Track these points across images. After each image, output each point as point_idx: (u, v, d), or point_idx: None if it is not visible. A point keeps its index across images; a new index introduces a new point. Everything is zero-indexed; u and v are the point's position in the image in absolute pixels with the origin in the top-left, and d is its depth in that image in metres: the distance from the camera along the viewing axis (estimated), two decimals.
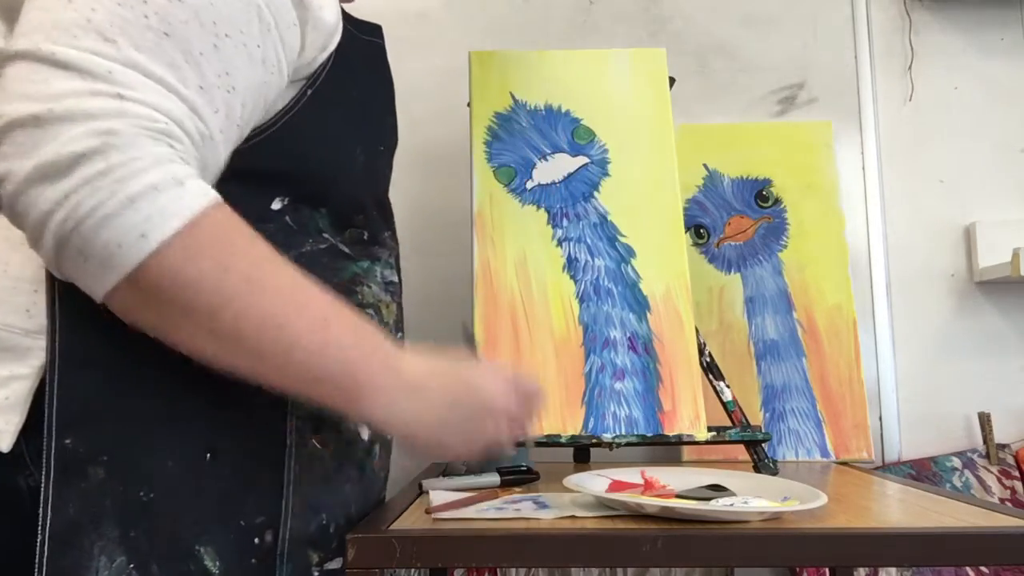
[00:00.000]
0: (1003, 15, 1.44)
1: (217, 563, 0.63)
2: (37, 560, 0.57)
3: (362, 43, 0.77)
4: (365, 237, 0.75)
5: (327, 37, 0.67)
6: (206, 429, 0.63)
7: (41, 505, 0.57)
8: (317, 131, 0.68)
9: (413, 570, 1.19)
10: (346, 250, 0.72)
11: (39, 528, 0.57)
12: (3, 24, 0.61)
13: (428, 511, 0.75)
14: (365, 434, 0.73)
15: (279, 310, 0.57)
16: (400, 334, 0.82)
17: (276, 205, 0.67)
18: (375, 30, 0.81)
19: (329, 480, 0.70)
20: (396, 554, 0.65)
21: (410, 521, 0.73)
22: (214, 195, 0.55)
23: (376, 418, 0.63)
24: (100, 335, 0.59)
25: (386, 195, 0.80)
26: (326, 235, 0.70)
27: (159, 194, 0.52)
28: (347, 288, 0.73)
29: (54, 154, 0.50)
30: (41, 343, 0.59)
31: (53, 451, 0.58)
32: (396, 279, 0.81)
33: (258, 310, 0.57)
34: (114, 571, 0.59)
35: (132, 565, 0.59)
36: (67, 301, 0.58)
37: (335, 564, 0.69)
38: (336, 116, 0.69)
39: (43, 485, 0.57)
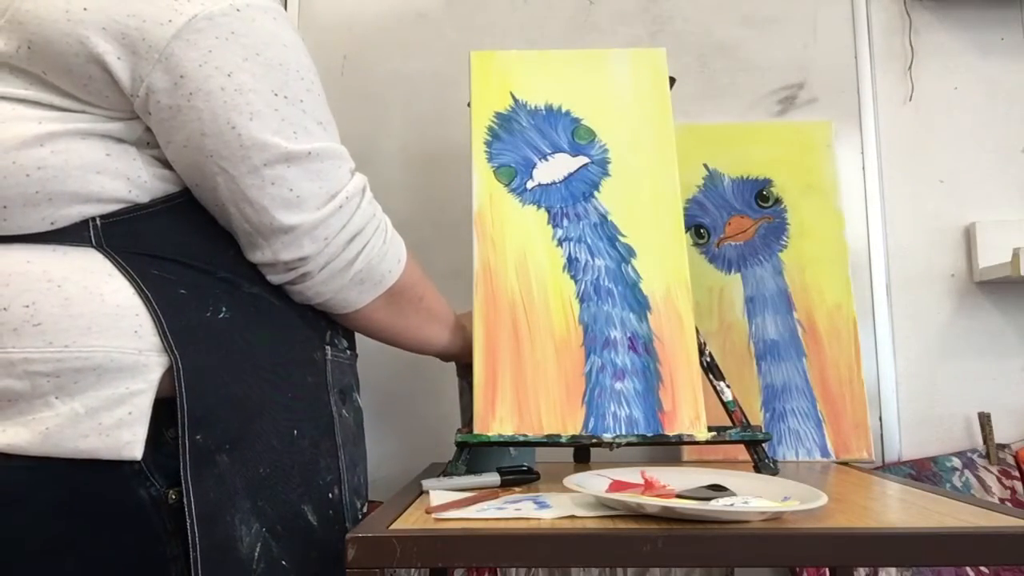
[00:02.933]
0: (1003, 15, 1.44)
1: (315, 517, 0.78)
2: (190, 539, 0.67)
3: None
4: None
5: None
6: (290, 412, 0.78)
7: (184, 494, 0.67)
8: None
9: (413, 570, 1.19)
10: None
11: (186, 512, 0.67)
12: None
13: (428, 511, 0.75)
14: (360, 403, 0.93)
15: (431, 288, 0.94)
16: None
17: None
18: None
19: (357, 441, 0.89)
20: (396, 554, 0.65)
21: (410, 521, 0.73)
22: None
23: (457, 340, 1.00)
24: (206, 348, 0.71)
25: None
26: None
27: (391, 233, 0.84)
28: None
29: (357, 225, 0.78)
30: (153, 359, 0.68)
31: (187, 447, 0.68)
32: None
33: (431, 287, 0.93)
34: (253, 536, 0.71)
35: (264, 529, 0.72)
36: (172, 320, 0.70)
37: (366, 508, 0.90)
38: None
39: (182, 477, 0.67)
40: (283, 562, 0.74)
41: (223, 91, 0.69)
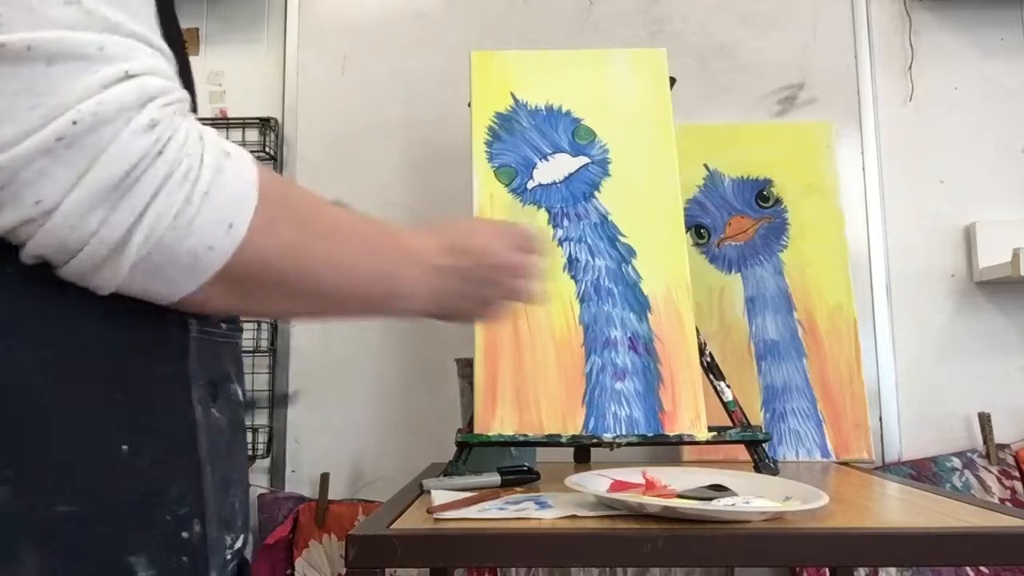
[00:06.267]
0: (1003, 15, 1.44)
1: (152, 573, 0.53)
2: None
3: None
4: None
5: None
6: (116, 415, 0.53)
7: None
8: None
9: (413, 570, 1.20)
10: None
11: None
12: None
13: (429, 511, 0.75)
14: (241, 395, 0.66)
15: (343, 249, 0.58)
16: None
17: None
18: None
19: (231, 450, 0.62)
20: (397, 554, 0.65)
21: (411, 521, 0.73)
22: (245, 151, 0.50)
23: (411, 303, 0.64)
24: None
25: None
26: None
27: (224, 176, 0.47)
28: None
29: (110, 175, 0.44)
30: None
31: None
32: None
33: (334, 256, 0.56)
34: None
35: None
36: None
37: (240, 543, 0.61)
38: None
39: None
40: None
41: None
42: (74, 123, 0.43)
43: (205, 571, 0.57)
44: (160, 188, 0.45)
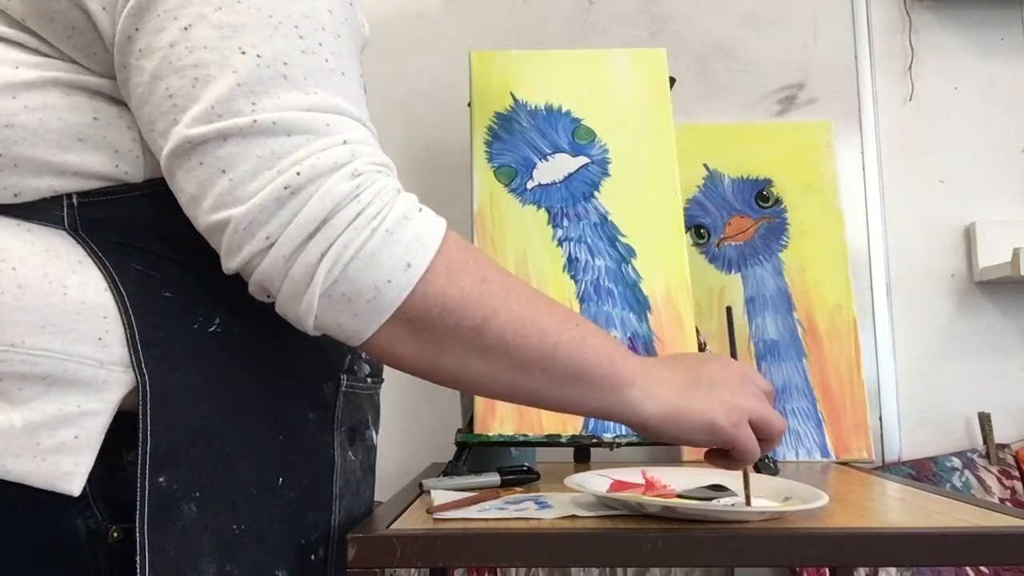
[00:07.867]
0: (1003, 15, 1.44)
1: None
2: None
3: None
4: None
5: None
6: (278, 453, 0.63)
7: (139, 551, 0.54)
8: None
9: (413, 569, 1.20)
10: None
11: (138, 573, 0.54)
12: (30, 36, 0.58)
13: (429, 511, 0.75)
14: (376, 440, 0.77)
15: (534, 312, 0.60)
16: None
17: None
18: None
19: (361, 488, 0.74)
20: (397, 554, 0.65)
21: (411, 521, 0.73)
22: (443, 220, 0.58)
23: (639, 403, 0.63)
24: (184, 368, 0.58)
25: None
26: None
27: (409, 222, 0.55)
28: None
29: (315, 211, 0.52)
30: (116, 376, 0.56)
31: (147, 492, 0.55)
32: None
33: (519, 316, 0.59)
34: None
35: None
36: (145, 331, 0.57)
37: None
38: None
39: (138, 528, 0.54)
40: None
41: (172, 48, 0.53)
42: (298, 174, 0.52)
43: None
44: (350, 224, 0.53)
